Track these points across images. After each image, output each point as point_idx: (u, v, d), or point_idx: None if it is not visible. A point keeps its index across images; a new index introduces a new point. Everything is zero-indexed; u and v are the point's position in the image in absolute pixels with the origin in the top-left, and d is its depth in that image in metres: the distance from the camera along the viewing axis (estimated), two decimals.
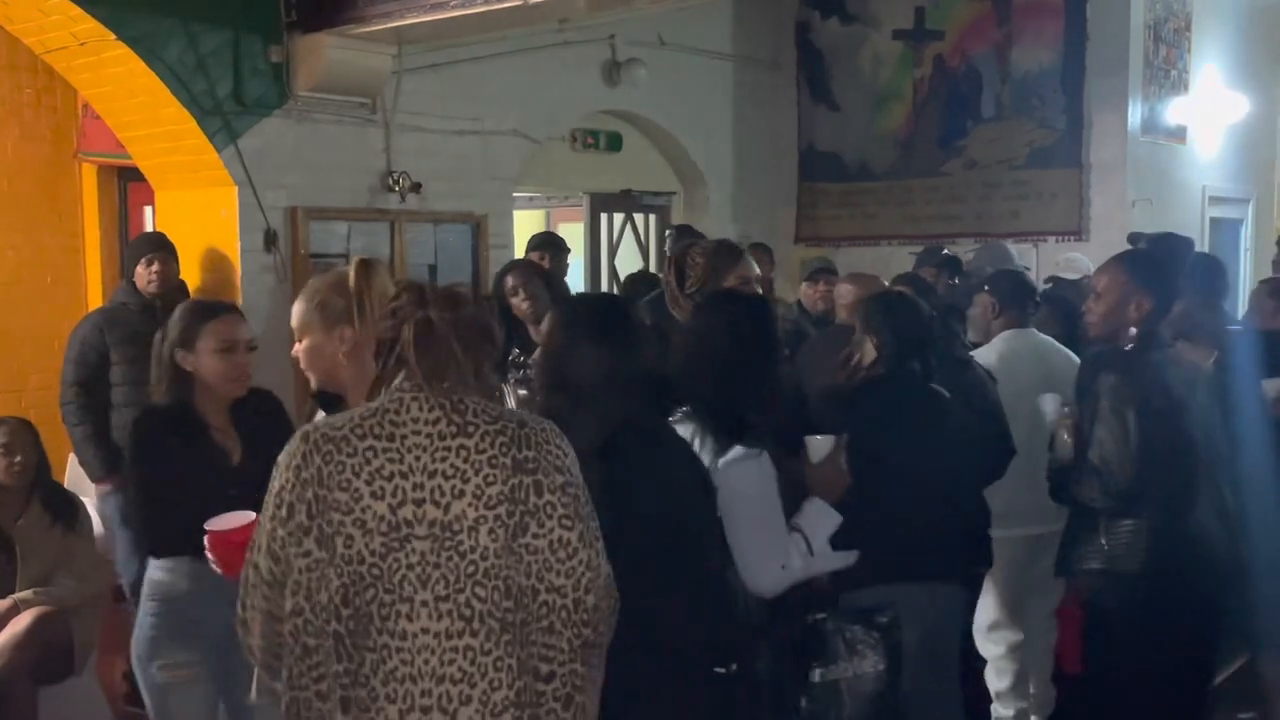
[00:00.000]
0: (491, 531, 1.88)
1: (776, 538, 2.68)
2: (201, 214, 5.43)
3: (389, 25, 5.12)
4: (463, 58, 6.15)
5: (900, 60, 7.99)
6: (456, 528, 1.87)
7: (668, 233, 7.24)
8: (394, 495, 1.87)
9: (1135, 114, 7.24)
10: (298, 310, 2.49)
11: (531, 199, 8.69)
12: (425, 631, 1.86)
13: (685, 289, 3.31)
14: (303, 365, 2.49)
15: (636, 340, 2.45)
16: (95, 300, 6.34)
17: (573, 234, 7.52)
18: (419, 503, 1.87)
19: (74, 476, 5.27)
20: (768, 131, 8.41)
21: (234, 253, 5.35)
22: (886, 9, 8.01)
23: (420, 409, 1.92)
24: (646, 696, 2.30)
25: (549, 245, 5.79)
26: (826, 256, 6.41)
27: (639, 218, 8.30)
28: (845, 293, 4.99)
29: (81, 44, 5.00)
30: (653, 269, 8.06)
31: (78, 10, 4.76)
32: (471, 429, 1.91)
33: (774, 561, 2.66)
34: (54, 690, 4.04)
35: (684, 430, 2.66)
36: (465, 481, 1.88)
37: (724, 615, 2.46)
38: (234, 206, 5.32)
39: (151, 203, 6.00)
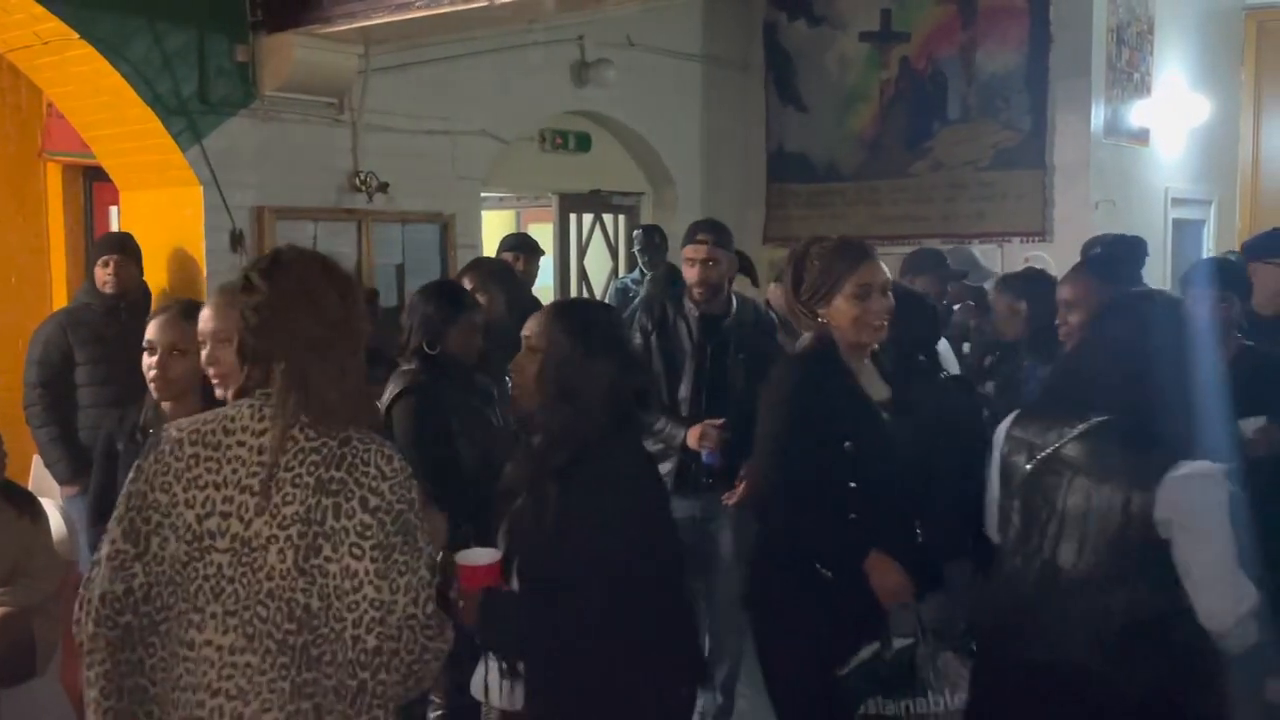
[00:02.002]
0: (281, 551, 1.83)
1: (1236, 569, 2.26)
2: (167, 214, 5.41)
3: (355, 25, 5.10)
4: (430, 58, 6.14)
5: (867, 62, 8.05)
6: (255, 544, 1.84)
7: (636, 233, 7.27)
8: (203, 505, 1.86)
9: (1098, 116, 7.32)
10: (223, 316, 2.50)
11: (500, 199, 8.69)
12: (209, 644, 1.84)
13: (800, 295, 2.94)
14: (223, 372, 2.52)
15: (610, 350, 2.42)
16: (60, 300, 6.30)
17: (541, 234, 7.53)
18: (225, 515, 1.85)
19: (37, 478, 5.23)
20: (736, 132, 8.45)
21: (200, 253, 5.33)
22: (853, 11, 8.06)
23: (253, 419, 1.88)
24: (602, 711, 2.30)
25: (523, 247, 5.80)
26: None
27: (608, 218, 8.32)
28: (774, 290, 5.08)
29: (45, 43, 4.97)
30: (621, 270, 8.09)
31: (40, 9, 4.72)
32: (290, 445, 1.85)
33: (1239, 600, 2.25)
34: (16, 691, 4.01)
35: (1081, 447, 2.39)
36: (267, 498, 1.84)
37: (681, 632, 2.45)
38: (200, 206, 5.30)
39: (116, 202, 5.96)
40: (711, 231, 4.21)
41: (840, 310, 2.87)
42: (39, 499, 4.37)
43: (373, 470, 1.86)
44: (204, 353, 2.62)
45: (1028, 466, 2.47)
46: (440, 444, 3.38)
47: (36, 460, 5.14)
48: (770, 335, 4.44)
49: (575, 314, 2.52)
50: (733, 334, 4.20)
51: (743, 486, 3.75)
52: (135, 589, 1.87)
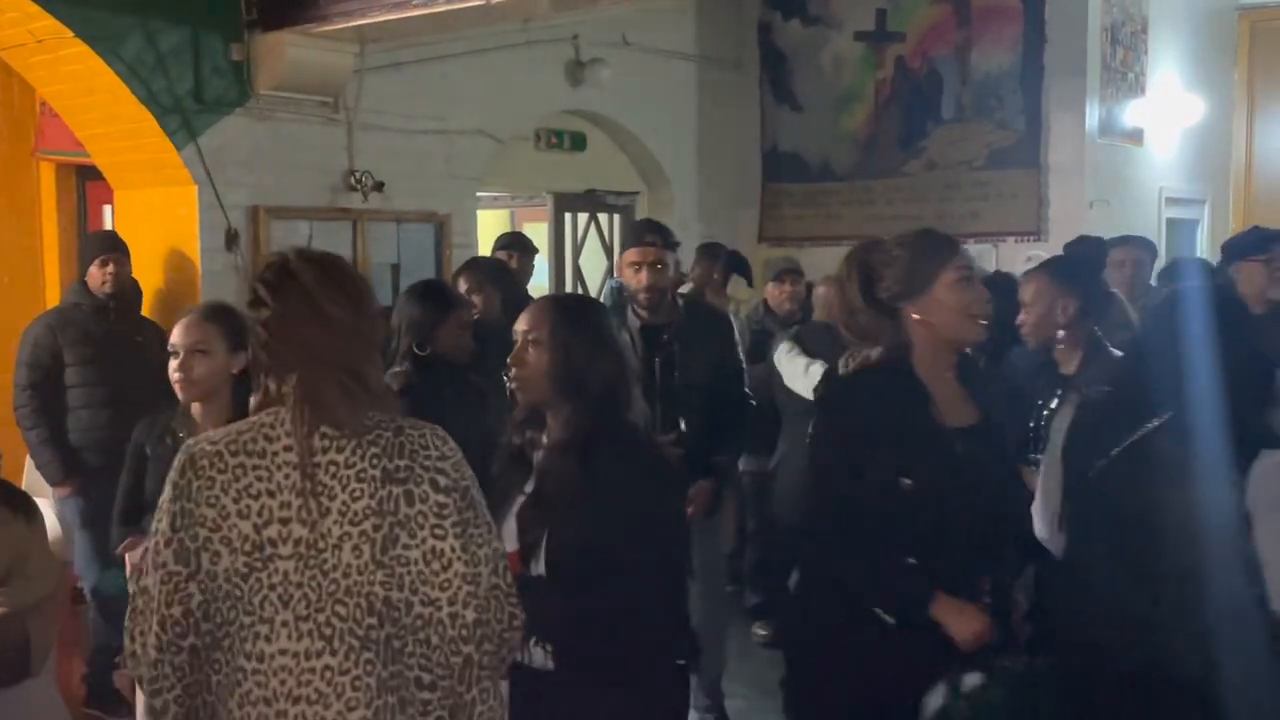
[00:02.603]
0: (356, 548, 1.82)
1: None
2: (161, 213, 5.39)
3: (351, 24, 5.10)
4: (426, 57, 6.14)
5: (862, 61, 8.05)
6: (321, 546, 1.82)
7: None
8: (259, 515, 1.82)
9: (1093, 116, 7.33)
10: (198, 330, 2.66)
11: (495, 198, 8.68)
12: (284, 653, 1.82)
13: (879, 292, 2.56)
14: (189, 380, 2.70)
15: (607, 339, 2.48)
16: (53, 300, 6.27)
17: (536, 233, 7.51)
18: (285, 521, 1.82)
19: (30, 479, 5.21)
20: (731, 132, 8.45)
21: (194, 252, 5.32)
22: (848, 10, 8.07)
23: (297, 428, 1.85)
24: (602, 685, 2.32)
25: (517, 245, 5.79)
26: (792, 256, 6.45)
27: (603, 217, 8.31)
28: (825, 292, 5.06)
29: (39, 41, 4.96)
30: (616, 269, 8.09)
31: (35, 7, 4.71)
32: (343, 442, 1.85)
33: None
34: (10, 692, 3.99)
35: (1159, 442, 2.34)
36: (332, 498, 1.83)
37: (681, 607, 2.49)
38: (194, 206, 5.29)
39: (110, 201, 5.94)
40: (659, 233, 3.92)
41: (941, 303, 2.48)
42: (34, 500, 4.36)
43: (433, 452, 1.88)
44: (174, 361, 2.77)
45: (1100, 464, 2.42)
46: None
47: (29, 461, 5.12)
48: (726, 334, 4.19)
49: (577, 306, 2.58)
50: (677, 344, 3.92)
51: (693, 507, 3.71)
52: (194, 609, 1.83)
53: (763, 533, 5.63)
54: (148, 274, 5.21)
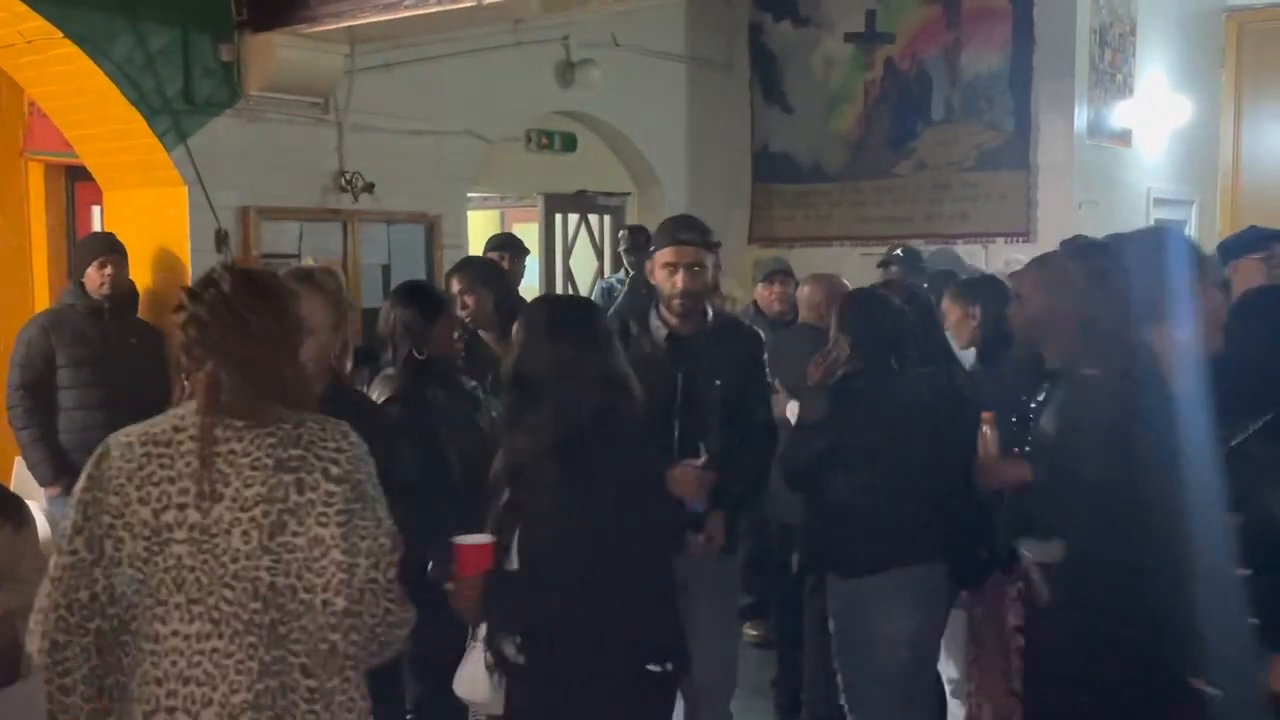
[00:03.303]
0: (245, 534, 1.89)
1: None
2: (151, 214, 5.38)
3: (341, 25, 5.09)
4: (416, 57, 6.13)
5: (852, 62, 8.07)
6: (214, 531, 1.90)
7: (621, 233, 7.28)
8: (158, 500, 1.90)
9: (1081, 117, 7.35)
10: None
11: (486, 199, 8.68)
12: (175, 634, 1.89)
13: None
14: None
15: (600, 341, 2.49)
16: (42, 301, 6.26)
17: (527, 234, 7.51)
18: (181, 507, 1.90)
19: (21, 480, 5.19)
20: (721, 133, 8.46)
21: (184, 253, 5.30)
22: (838, 12, 8.08)
23: (196, 418, 1.95)
24: (583, 689, 2.33)
25: (509, 246, 5.79)
26: (781, 257, 6.46)
27: (594, 218, 8.32)
28: (810, 293, 5.05)
29: (28, 42, 4.94)
30: (608, 270, 8.09)
31: (23, 7, 4.69)
32: (244, 433, 1.93)
33: None
34: (2, 694, 3.98)
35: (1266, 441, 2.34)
36: (226, 485, 1.90)
37: (667, 613, 2.51)
38: (184, 206, 5.27)
39: (99, 202, 5.93)
40: (696, 230, 3.52)
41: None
42: (25, 502, 4.35)
43: (330, 443, 1.97)
44: None
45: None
46: (429, 451, 3.34)
47: (19, 462, 5.10)
48: (756, 354, 3.74)
49: (568, 309, 2.65)
50: (707, 355, 3.47)
51: (707, 538, 3.38)
52: (99, 594, 1.92)
53: (754, 533, 5.63)
54: (137, 275, 5.19)
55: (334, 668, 1.93)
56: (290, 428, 1.95)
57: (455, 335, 3.72)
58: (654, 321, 3.51)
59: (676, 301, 3.45)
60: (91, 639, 1.91)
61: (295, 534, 1.90)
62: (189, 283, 5.35)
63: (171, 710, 1.88)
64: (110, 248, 4.94)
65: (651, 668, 2.44)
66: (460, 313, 4.45)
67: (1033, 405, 3.39)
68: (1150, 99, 8.00)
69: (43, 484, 4.77)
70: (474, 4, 4.69)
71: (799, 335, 5.05)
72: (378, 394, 3.47)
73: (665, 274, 3.45)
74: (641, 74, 7.75)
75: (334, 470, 1.93)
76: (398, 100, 6.09)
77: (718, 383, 3.42)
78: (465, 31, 6.04)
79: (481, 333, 4.50)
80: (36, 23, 4.78)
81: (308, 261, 5.40)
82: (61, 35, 4.82)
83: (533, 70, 6.98)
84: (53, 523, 4.81)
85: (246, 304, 2.00)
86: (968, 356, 4.20)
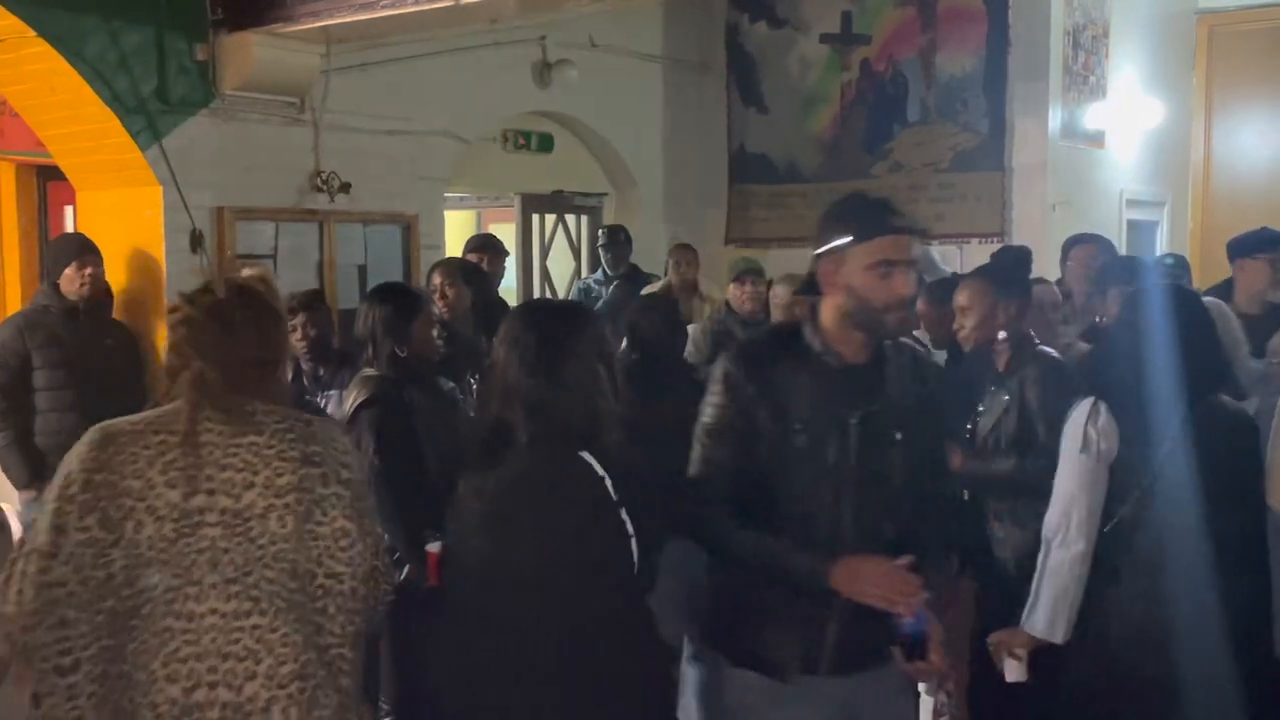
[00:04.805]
0: (281, 519, 2.02)
1: None
2: (125, 214, 5.35)
3: (317, 24, 5.08)
4: (393, 57, 6.11)
5: (828, 64, 8.09)
6: (248, 515, 2.01)
7: (600, 231, 7.28)
8: (187, 485, 1.99)
9: (1055, 118, 7.41)
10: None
11: (462, 199, 8.66)
12: (213, 612, 1.97)
13: None
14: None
15: (570, 368, 2.27)
16: (14, 302, 6.21)
17: (504, 235, 7.51)
18: (210, 493, 2.00)
19: None
20: (698, 133, 8.47)
21: (159, 254, 5.27)
22: (814, 13, 8.10)
23: (189, 413, 2.05)
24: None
25: (487, 247, 5.78)
26: (753, 257, 6.48)
27: (570, 219, 8.31)
28: (780, 293, 5.07)
29: (1, 40, 4.90)
30: (584, 271, 8.09)
31: None
32: (261, 427, 2.06)
33: None
34: None
35: None
36: (255, 474, 2.02)
37: (646, 645, 2.33)
38: (159, 207, 5.24)
39: (72, 202, 5.89)
40: (903, 213, 2.49)
41: None
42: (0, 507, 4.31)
43: (339, 444, 2.14)
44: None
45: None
46: (407, 452, 3.34)
47: None
48: (939, 394, 2.66)
49: (542, 314, 2.49)
50: (885, 395, 2.44)
51: (937, 660, 2.35)
52: (116, 574, 1.96)
53: None
54: (112, 276, 5.15)
55: (356, 642, 2.11)
56: (303, 425, 2.10)
57: (435, 333, 3.72)
58: (813, 343, 2.42)
59: (891, 316, 2.37)
60: (104, 619, 1.95)
61: (319, 523, 2.04)
62: (164, 284, 5.38)
63: (213, 685, 1.96)
64: (88, 249, 4.89)
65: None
66: (439, 303, 4.46)
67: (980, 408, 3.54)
68: (1123, 101, 8.06)
69: (18, 487, 4.73)
70: (451, 4, 4.68)
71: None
72: (355, 395, 3.45)
73: (873, 277, 2.34)
74: (618, 74, 7.75)
75: (344, 473, 2.09)
76: (374, 100, 6.07)
77: (898, 435, 2.42)
78: (442, 31, 6.02)
79: (454, 328, 4.52)
80: (9, 21, 4.74)
81: (245, 272, 5.36)
82: (35, 34, 4.79)
83: (509, 70, 6.98)
84: (26, 526, 4.77)
85: (236, 304, 2.12)
86: (939, 356, 4.23)
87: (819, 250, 2.40)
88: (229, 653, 1.97)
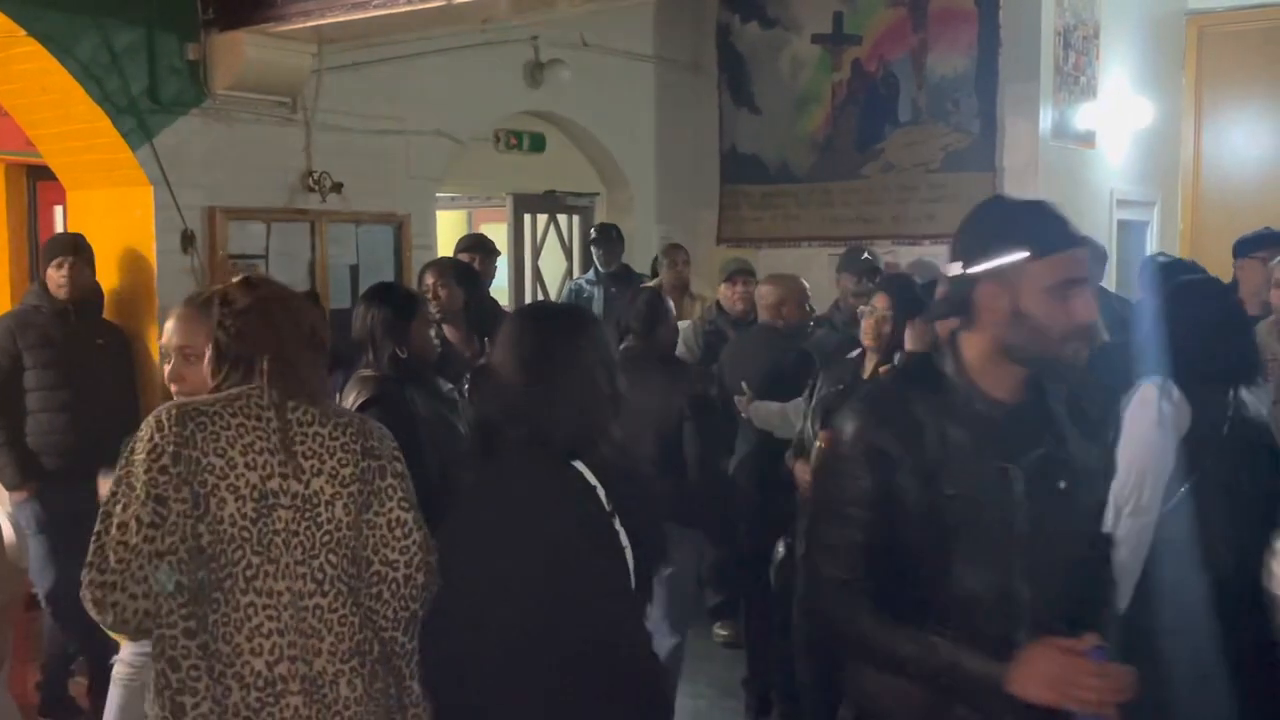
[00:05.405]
0: (345, 506, 2.15)
1: None
2: (116, 214, 5.33)
3: (309, 24, 5.06)
4: (384, 57, 6.10)
5: (819, 64, 8.11)
6: (315, 501, 2.13)
7: (592, 230, 7.29)
8: (264, 468, 2.11)
9: (1046, 119, 7.42)
10: (191, 332, 2.64)
11: (454, 199, 8.66)
12: (289, 590, 2.10)
13: None
14: (188, 390, 2.62)
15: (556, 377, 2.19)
16: (3, 302, 6.19)
17: (496, 234, 7.50)
18: (284, 476, 2.12)
19: None
20: (690, 133, 8.48)
21: (150, 254, 5.26)
22: (805, 13, 8.12)
23: (275, 398, 2.17)
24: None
25: (479, 248, 5.78)
26: (744, 257, 6.50)
27: (562, 218, 8.31)
28: (767, 293, 5.08)
29: None
30: (576, 270, 8.09)
31: None
32: (324, 419, 2.19)
33: None
34: None
35: None
36: (322, 462, 2.15)
37: (642, 661, 2.24)
38: (149, 207, 5.23)
39: (62, 202, 5.87)
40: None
41: None
42: None
43: (390, 441, 2.25)
44: (167, 368, 2.74)
45: None
46: (408, 452, 3.31)
47: None
48: (1099, 428, 2.18)
49: (524, 320, 2.40)
50: (1051, 442, 2.00)
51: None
52: (205, 546, 2.06)
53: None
54: (102, 276, 5.13)
55: (413, 630, 2.21)
56: (359, 422, 2.23)
57: (432, 334, 3.71)
58: (958, 381, 1.99)
59: (1070, 346, 1.98)
60: (196, 588, 2.04)
61: (376, 513, 2.17)
62: (155, 284, 5.35)
63: (293, 659, 2.09)
64: (67, 249, 4.85)
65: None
66: (431, 304, 4.46)
67: None
68: (1113, 101, 8.09)
69: (10, 488, 4.70)
70: (443, 4, 4.68)
71: (757, 335, 5.09)
72: (355, 395, 3.43)
73: (1054, 300, 1.92)
74: (610, 74, 7.76)
75: (399, 462, 2.22)
76: (366, 100, 6.06)
77: (1061, 484, 1.98)
78: (434, 31, 6.02)
79: (446, 328, 4.52)
80: None
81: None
82: (25, 34, 4.77)
83: (501, 70, 6.97)
84: (17, 528, 4.75)
85: (291, 301, 2.28)
86: None
87: (976, 270, 1.96)
88: (301, 629, 2.10)
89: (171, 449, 2.05)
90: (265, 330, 2.19)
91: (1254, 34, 8.85)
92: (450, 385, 3.72)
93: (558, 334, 2.25)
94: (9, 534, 4.49)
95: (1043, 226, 1.98)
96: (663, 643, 2.30)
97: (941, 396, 1.97)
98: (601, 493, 2.13)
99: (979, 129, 7.48)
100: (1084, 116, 7.82)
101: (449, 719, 2.24)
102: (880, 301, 4.02)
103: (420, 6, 4.72)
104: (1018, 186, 7.37)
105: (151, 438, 2.07)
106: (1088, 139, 7.93)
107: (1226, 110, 9.07)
